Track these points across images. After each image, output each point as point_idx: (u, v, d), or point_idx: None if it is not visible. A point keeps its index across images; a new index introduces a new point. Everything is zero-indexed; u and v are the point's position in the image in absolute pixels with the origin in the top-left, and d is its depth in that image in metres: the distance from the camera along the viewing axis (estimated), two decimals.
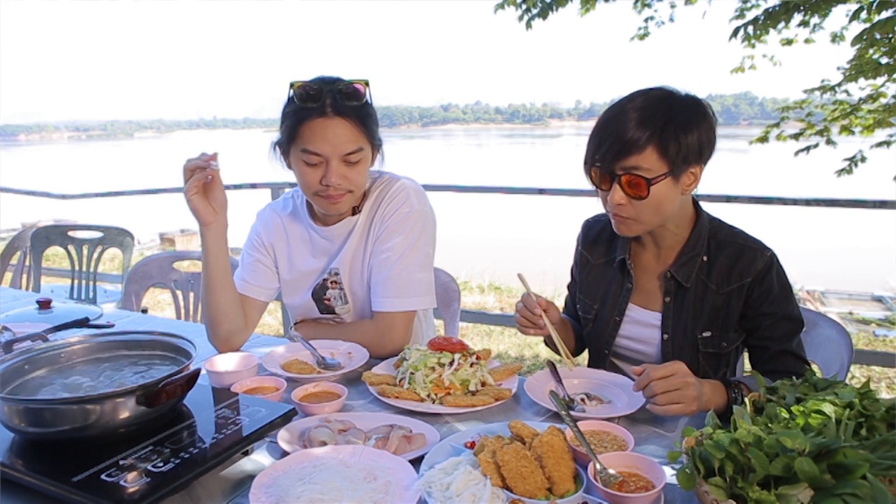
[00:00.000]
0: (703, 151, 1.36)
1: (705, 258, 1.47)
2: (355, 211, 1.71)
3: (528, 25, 5.81)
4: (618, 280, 1.58)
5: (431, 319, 1.94)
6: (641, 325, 1.55)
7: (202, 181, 1.47)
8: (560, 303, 1.78)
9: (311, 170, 1.56)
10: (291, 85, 1.55)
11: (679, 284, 1.48)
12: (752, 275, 1.42)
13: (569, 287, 1.80)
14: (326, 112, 1.51)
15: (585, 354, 1.75)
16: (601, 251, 1.65)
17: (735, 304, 1.44)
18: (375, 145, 1.63)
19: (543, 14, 5.65)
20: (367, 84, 1.57)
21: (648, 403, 1.21)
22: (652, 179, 1.32)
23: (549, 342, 1.62)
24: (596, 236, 1.67)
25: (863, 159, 5.49)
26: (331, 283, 1.76)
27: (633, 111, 1.33)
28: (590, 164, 1.40)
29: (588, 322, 1.65)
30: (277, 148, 1.64)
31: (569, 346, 1.69)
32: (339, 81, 1.54)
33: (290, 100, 1.56)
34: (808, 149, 5.84)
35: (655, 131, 1.30)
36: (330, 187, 1.55)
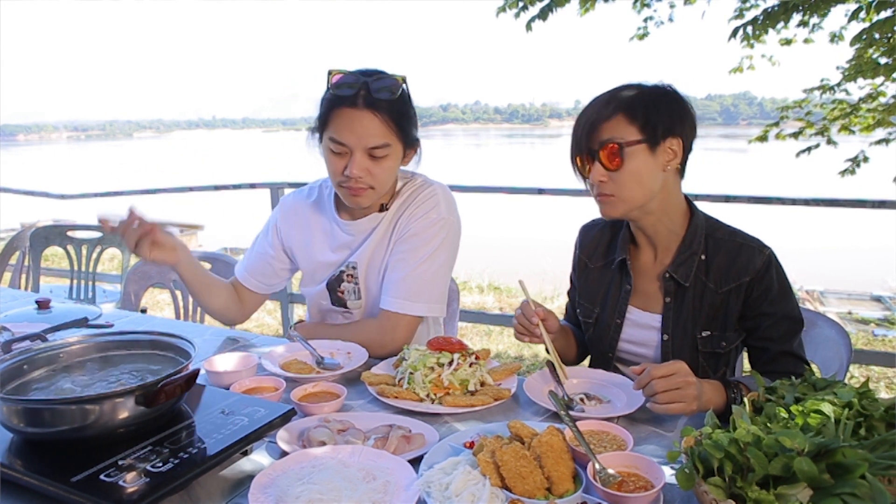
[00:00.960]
0: (675, 125, 1.40)
1: (703, 257, 1.47)
2: (383, 208, 1.70)
3: (528, 27, 5.81)
4: (616, 282, 1.58)
5: (440, 326, 1.92)
6: (642, 327, 1.55)
7: (140, 237, 1.49)
8: (561, 303, 1.77)
9: (337, 158, 1.56)
10: (329, 73, 1.56)
11: (678, 284, 1.48)
12: (751, 273, 1.42)
13: (568, 294, 1.80)
14: (357, 103, 1.51)
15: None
16: (599, 254, 1.65)
17: (734, 303, 1.44)
18: (409, 144, 1.61)
19: (543, 15, 5.64)
20: (404, 80, 1.56)
21: (648, 402, 1.21)
22: (624, 144, 1.37)
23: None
24: (593, 240, 1.67)
25: (865, 159, 5.49)
26: (347, 276, 1.75)
27: (605, 95, 1.43)
28: (573, 153, 1.46)
29: (589, 326, 1.65)
30: (315, 133, 1.63)
31: (570, 354, 1.69)
32: (375, 74, 1.55)
33: (327, 88, 1.57)
34: (809, 149, 5.85)
35: (623, 101, 1.39)
36: (351, 179, 1.55)
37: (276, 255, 1.83)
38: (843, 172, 5.53)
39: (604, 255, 1.64)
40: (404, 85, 1.56)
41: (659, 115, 1.37)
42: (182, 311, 2.59)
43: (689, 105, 1.43)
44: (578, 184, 1.50)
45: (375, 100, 1.51)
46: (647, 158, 1.38)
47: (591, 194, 1.48)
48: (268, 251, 1.82)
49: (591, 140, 1.40)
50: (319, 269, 1.79)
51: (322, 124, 1.57)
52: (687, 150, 1.44)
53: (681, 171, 1.47)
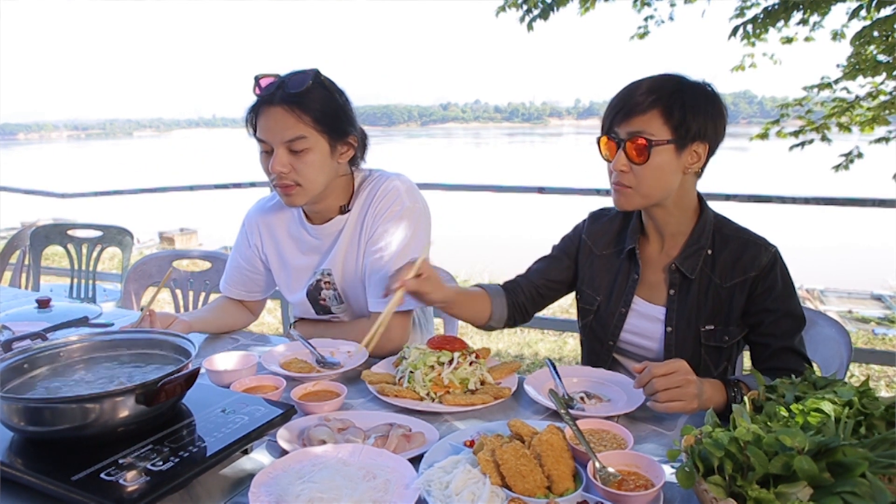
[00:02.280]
0: (707, 130, 1.39)
1: (710, 251, 1.48)
2: (343, 210, 1.70)
3: (530, 27, 5.80)
4: (624, 271, 1.59)
5: (431, 316, 1.94)
6: (646, 318, 1.55)
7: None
8: (562, 303, 1.77)
9: (264, 157, 1.58)
10: (256, 78, 1.57)
11: (684, 277, 1.49)
12: (756, 270, 1.43)
13: (541, 259, 1.74)
14: (273, 101, 1.52)
15: (580, 349, 1.74)
16: (607, 242, 1.64)
17: (738, 298, 1.45)
18: (336, 137, 1.58)
19: (544, 15, 5.64)
20: (316, 73, 1.55)
21: (649, 401, 1.21)
22: (654, 142, 1.36)
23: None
24: (602, 228, 1.66)
25: (859, 155, 5.48)
26: (324, 283, 1.75)
27: (647, 81, 1.40)
28: (604, 132, 1.44)
29: (589, 314, 1.65)
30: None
31: (479, 316, 1.63)
32: (293, 72, 1.56)
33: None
34: (802, 144, 5.84)
35: (662, 96, 1.36)
36: (278, 177, 1.55)
37: (250, 265, 1.86)
38: (837, 167, 5.52)
39: (612, 243, 1.63)
40: (314, 79, 1.53)
41: (695, 118, 1.36)
42: (182, 310, 2.59)
43: (724, 109, 1.42)
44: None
45: (288, 94, 1.52)
46: (671, 158, 1.38)
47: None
48: (240, 264, 1.87)
49: (621, 127, 1.39)
50: (296, 273, 1.80)
51: (253, 129, 1.59)
52: (711, 154, 1.44)
53: (699, 173, 1.47)
